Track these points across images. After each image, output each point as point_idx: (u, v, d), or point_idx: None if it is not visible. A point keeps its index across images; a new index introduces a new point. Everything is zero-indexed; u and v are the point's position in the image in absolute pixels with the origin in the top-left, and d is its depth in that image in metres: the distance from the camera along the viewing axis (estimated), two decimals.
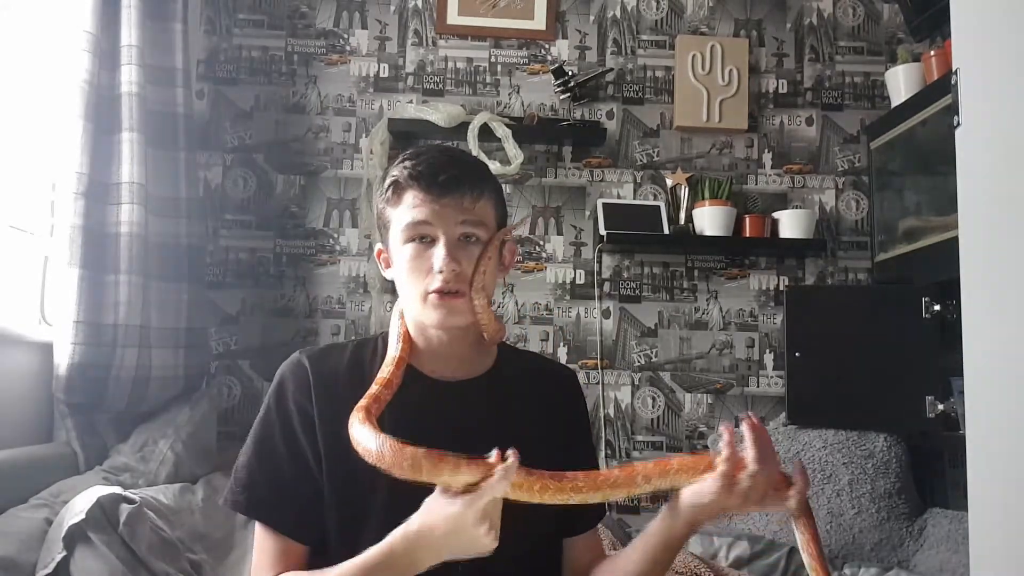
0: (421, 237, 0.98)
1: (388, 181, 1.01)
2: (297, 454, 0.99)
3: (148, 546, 1.47)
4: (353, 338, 1.14)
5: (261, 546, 0.98)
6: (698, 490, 0.89)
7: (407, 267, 0.99)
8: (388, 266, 1.08)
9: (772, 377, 2.48)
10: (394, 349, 1.03)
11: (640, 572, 0.99)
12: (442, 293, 0.97)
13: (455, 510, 0.81)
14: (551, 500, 0.86)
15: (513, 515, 0.89)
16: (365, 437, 0.86)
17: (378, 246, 1.10)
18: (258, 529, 0.99)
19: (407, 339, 1.04)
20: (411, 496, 0.86)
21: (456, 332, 1.04)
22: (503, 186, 2.50)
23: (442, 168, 0.98)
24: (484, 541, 0.82)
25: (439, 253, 0.97)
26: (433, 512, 0.84)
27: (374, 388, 0.96)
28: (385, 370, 1.00)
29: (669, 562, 0.98)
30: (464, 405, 1.03)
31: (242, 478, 1.00)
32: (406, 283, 1.01)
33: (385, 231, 1.04)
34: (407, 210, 0.99)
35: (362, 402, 0.93)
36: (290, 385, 1.02)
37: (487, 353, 1.10)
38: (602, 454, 2.41)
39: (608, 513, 2.28)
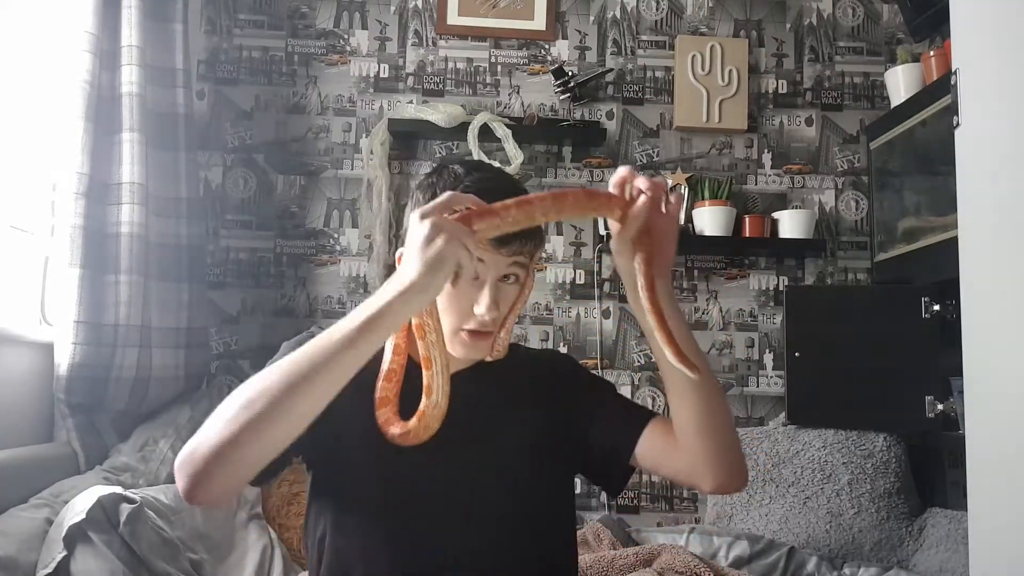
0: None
1: (443, 199, 0.96)
2: None
3: (148, 546, 1.47)
4: None
5: None
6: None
7: (444, 299, 0.96)
8: None
9: (772, 377, 2.48)
10: (387, 363, 0.98)
11: (682, 388, 0.96)
12: (475, 333, 0.97)
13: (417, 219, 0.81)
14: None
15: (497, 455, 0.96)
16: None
17: (401, 251, 1.06)
18: None
19: (400, 351, 0.99)
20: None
21: None
22: None
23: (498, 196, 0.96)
24: (433, 233, 0.78)
25: (484, 298, 0.94)
26: None
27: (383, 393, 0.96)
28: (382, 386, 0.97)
29: (683, 333, 0.92)
30: (472, 391, 1.01)
31: None
32: (439, 314, 0.96)
33: None
34: None
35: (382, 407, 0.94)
36: (301, 339, 1.01)
37: None
38: None
39: (608, 513, 2.29)
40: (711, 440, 0.96)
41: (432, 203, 0.82)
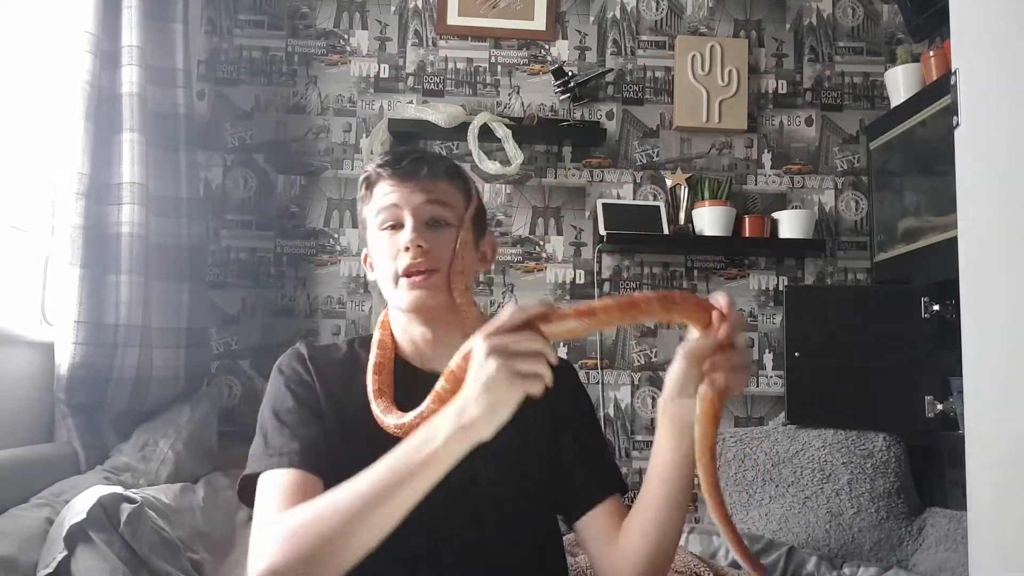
0: (392, 225, 1.02)
1: (360, 180, 1.08)
2: (305, 403, 1.01)
3: (149, 546, 1.47)
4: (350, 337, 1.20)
5: (272, 488, 0.92)
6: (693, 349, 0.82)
7: (379, 255, 1.03)
8: (373, 269, 1.10)
9: (772, 377, 2.48)
10: (374, 358, 1.04)
11: (661, 505, 0.92)
12: (411, 273, 0.99)
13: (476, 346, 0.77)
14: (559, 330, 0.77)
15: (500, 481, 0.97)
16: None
17: (364, 250, 1.12)
18: (266, 479, 0.93)
19: (384, 346, 1.06)
20: None
21: (439, 327, 1.04)
22: (503, 187, 2.52)
23: (405, 155, 1.05)
24: (500, 376, 0.74)
25: (405, 232, 1.00)
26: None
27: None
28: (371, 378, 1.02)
29: (684, 487, 0.89)
30: None
31: (262, 447, 0.97)
32: (379, 271, 1.04)
33: (364, 230, 1.09)
34: (378, 198, 1.04)
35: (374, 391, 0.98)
36: (288, 360, 1.06)
37: None
38: None
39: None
40: (654, 556, 0.95)
41: (495, 329, 0.76)
